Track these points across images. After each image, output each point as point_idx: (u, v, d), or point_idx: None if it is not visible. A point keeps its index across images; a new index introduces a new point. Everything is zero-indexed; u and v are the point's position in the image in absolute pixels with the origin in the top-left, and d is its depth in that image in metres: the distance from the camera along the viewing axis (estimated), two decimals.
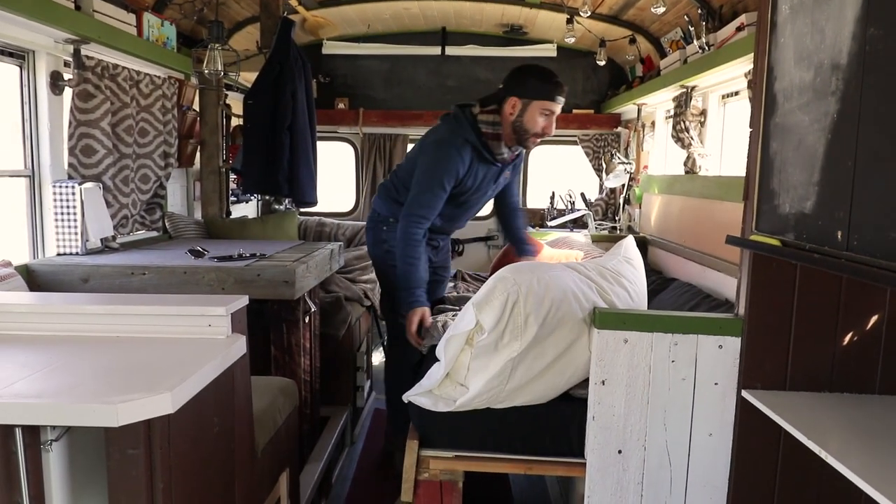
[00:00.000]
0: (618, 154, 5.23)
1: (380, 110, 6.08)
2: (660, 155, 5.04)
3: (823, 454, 1.57)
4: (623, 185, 5.22)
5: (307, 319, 3.19)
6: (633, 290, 2.35)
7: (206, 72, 3.66)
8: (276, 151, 4.34)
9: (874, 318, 2.01)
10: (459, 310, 3.32)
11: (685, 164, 4.13)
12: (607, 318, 2.05)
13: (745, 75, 3.23)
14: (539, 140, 2.98)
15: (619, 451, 2.10)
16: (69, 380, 1.51)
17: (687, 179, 4.14)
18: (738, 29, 3.18)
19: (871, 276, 1.38)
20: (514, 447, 2.18)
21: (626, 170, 4.87)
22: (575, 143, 6.24)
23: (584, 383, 2.16)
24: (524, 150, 3.25)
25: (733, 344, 2.04)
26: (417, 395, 2.19)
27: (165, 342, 1.81)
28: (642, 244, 4.44)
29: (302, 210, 5.18)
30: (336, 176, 6.44)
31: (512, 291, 2.00)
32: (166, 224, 4.03)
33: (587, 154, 6.21)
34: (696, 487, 2.12)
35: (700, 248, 3.82)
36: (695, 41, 3.72)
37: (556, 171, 6.61)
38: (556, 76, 2.92)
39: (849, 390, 2.03)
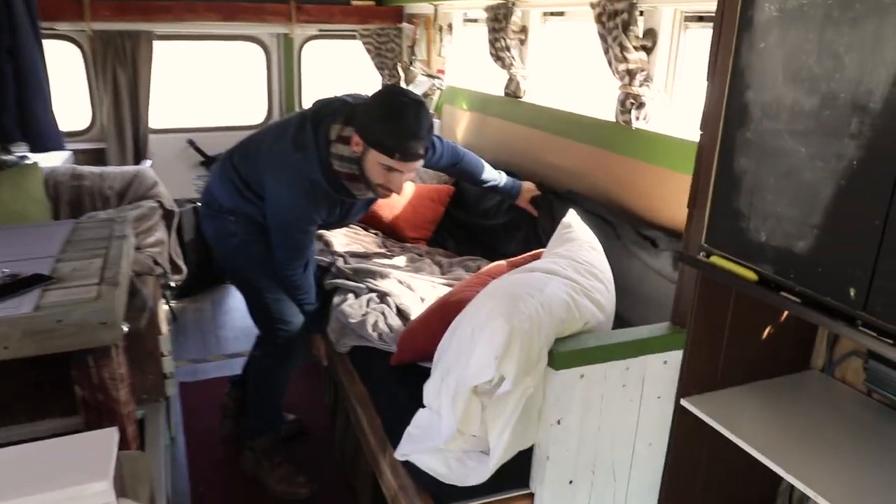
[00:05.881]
0: (418, 62, 4.77)
1: (113, 1, 4.76)
2: (459, 66, 4.71)
3: (736, 439, 1.78)
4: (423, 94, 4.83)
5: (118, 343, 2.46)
6: (605, 278, 2.14)
7: None
8: None
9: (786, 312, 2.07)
10: (363, 286, 2.90)
11: (507, 87, 3.87)
12: (565, 359, 1.80)
13: None
14: (389, 194, 2.45)
15: (570, 482, 1.97)
16: None
17: (509, 103, 3.91)
18: None
19: None
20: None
21: (434, 85, 4.47)
22: (354, 37, 5.59)
23: None
24: None
25: (676, 357, 1.97)
26: (421, 456, 1.89)
27: None
28: None
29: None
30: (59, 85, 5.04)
31: (525, 329, 1.73)
32: None
33: (368, 51, 5.63)
34: (634, 494, 2.11)
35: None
36: None
37: (336, 70, 5.95)
38: (418, 134, 2.27)
39: (762, 378, 2.10)
